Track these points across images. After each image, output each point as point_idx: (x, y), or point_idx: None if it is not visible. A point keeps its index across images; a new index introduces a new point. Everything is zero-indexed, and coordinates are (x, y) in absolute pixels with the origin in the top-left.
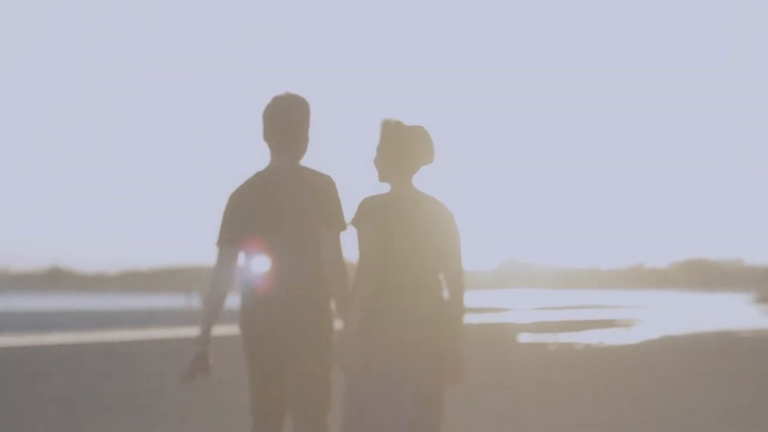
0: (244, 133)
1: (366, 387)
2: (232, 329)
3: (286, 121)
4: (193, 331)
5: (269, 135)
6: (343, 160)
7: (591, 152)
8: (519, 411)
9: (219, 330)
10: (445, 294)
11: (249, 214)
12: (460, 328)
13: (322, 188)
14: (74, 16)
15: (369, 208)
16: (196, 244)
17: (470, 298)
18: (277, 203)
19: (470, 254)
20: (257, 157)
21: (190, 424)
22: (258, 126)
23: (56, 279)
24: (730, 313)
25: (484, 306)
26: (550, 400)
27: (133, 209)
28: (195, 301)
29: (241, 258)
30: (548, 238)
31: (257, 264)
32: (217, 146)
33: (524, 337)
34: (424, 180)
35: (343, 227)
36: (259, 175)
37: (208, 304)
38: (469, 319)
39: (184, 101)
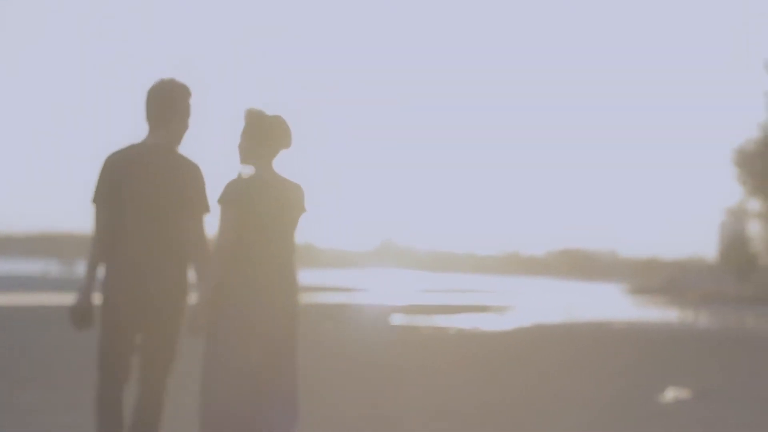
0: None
1: (218, 356)
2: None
3: (171, 104)
4: (66, 298)
5: (152, 114)
6: (344, 157)
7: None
8: (391, 392)
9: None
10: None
11: (117, 187)
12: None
13: (188, 174)
14: (74, 16)
15: (232, 189)
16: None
17: (346, 278)
18: (144, 181)
19: (348, 235)
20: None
21: (57, 390)
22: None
23: None
24: (604, 302)
25: (359, 286)
26: (421, 383)
27: (8, 174)
28: (68, 268)
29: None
30: (426, 222)
31: (119, 236)
32: (215, 145)
33: (398, 319)
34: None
35: (207, 210)
36: (134, 148)
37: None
38: (343, 299)
39: None
